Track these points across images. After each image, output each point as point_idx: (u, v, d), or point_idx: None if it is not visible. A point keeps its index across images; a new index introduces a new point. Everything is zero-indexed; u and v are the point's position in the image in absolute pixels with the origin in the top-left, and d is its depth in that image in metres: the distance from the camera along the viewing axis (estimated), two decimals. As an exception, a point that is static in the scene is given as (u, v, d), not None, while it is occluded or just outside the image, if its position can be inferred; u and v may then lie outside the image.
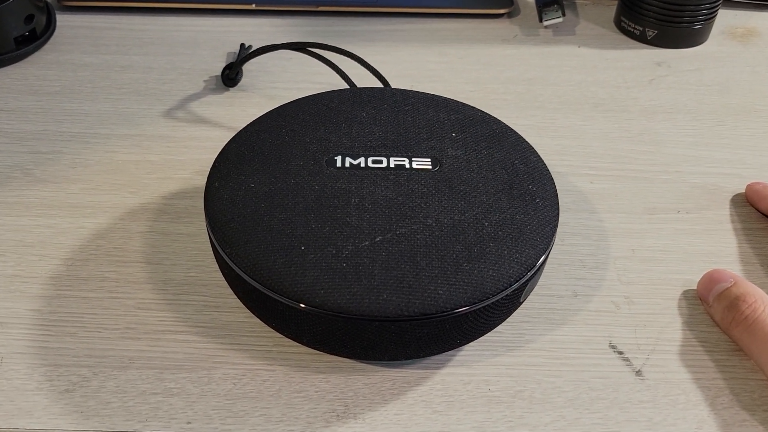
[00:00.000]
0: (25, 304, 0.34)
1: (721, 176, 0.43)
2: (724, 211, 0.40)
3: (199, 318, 0.33)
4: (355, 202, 0.31)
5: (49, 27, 0.52)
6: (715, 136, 0.46)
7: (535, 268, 0.30)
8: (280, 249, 0.29)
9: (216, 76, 0.49)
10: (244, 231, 0.30)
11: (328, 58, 0.45)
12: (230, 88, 0.48)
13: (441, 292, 0.28)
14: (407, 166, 0.33)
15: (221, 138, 0.43)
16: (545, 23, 0.55)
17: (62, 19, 0.54)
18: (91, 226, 0.38)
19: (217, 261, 0.32)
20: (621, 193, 0.41)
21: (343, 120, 0.35)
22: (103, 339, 0.32)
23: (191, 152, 0.43)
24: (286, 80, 0.49)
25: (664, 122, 0.47)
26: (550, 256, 0.31)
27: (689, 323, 0.34)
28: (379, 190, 0.31)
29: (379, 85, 0.45)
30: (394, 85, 0.46)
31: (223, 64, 0.50)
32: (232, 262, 0.29)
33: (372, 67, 0.45)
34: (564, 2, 0.55)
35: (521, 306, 0.32)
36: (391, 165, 0.33)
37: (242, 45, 0.52)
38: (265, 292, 0.28)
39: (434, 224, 0.30)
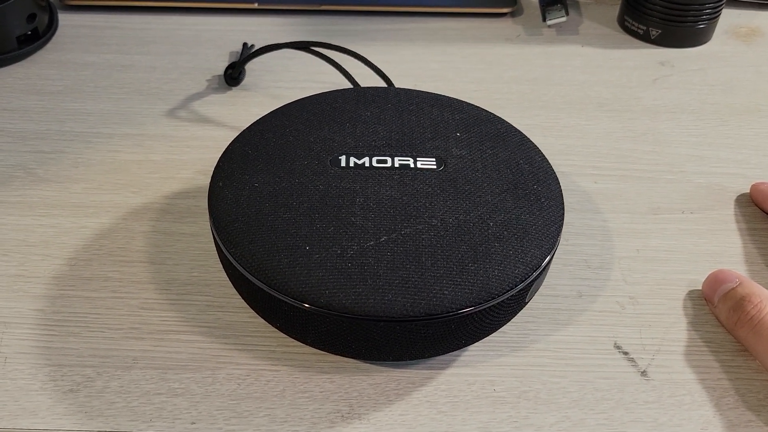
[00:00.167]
0: (28, 303, 0.34)
1: (726, 176, 0.43)
2: (729, 211, 0.40)
3: (202, 318, 0.33)
4: (359, 201, 0.31)
5: (51, 26, 0.52)
6: (719, 136, 0.46)
7: (541, 269, 0.30)
8: (285, 249, 0.29)
9: (219, 75, 0.49)
10: (248, 231, 0.29)
11: (331, 58, 0.45)
12: (233, 88, 0.48)
13: (446, 292, 0.28)
14: (412, 165, 0.33)
15: (224, 137, 0.43)
16: (548, 23, 0.54)
17: (64, 19, 0.54)
18: (94, 226, 0.38)
19: (221, 261, 0.32)
20: (625, 193, 0.41)
21: (347, 119, 0.35)
22: (107, 339, 0.32)
23: (194, 152, 0.43)
24: (289, 79, 0.49)
25: (668, 122, 0.47)
26: (554, 256, 0.31)
27: (694, 323, 0.34)
28: (384, 189, 0.31)
29: (383, 84, 0.45)
30: (397, 84, 0.46)
31: (226, 64, 0.50)
32: (237, 262, 0.29)
33: (375, 66, 0.45)
34: (567, 1, 0.55)
35: (526, 306, 0.32)
36: (396, 165, 0.33)
37: (245, 44, 0.51)
38: (269, 292, 0.28)
39: (439, 224, 0.30)
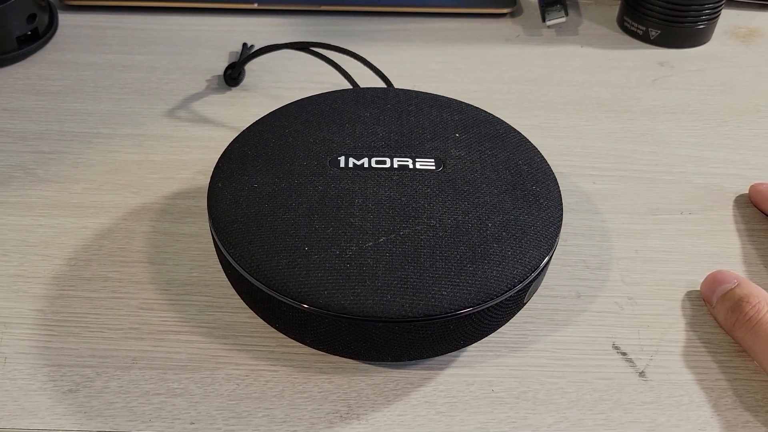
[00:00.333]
0: (28, 304, 0.34)
1: (725, 177, 0.43)
2: (728, 212, 0.40)
3: (202, 318, 0.33)
4: (358, 202, 0.31)
5: (52, 26, 0.52)
6: (718, 137, 0.46)
7: (539, 269, 0.30)
8: (284, 250, 0.29)
9: (218, 75, 0.49)
10: (247, 231, 0.29)
11: (331, 58, 0.45)
12: (232, 88, 0.48)
13: (445, 293, 0.28)
14: (411, 166, 0.33)
15: (224, 138, 0.43)
16: (548, 23, 0.55)
17: (64, 19, 0.54)
18: (93, 226, 0.38)
19: (220, 261, 0.32)
20: (624, 194, 0.41)
21: (346, 120, 0.35)
22: (107, 339, 0.32)
23: (194, 152, 0.43)
24: (289, 80, 0.49)
25: (667, 122, 0.47)
26: (553, 256, 0.31)
27: (693, 324, 0.34)
28: (383, 190, 0.31)
29: (382, 85, 0.45)
30: (396, 85, 0.46)
31: (226, 64, 0.50)
32: (236, 262, 0.29)
33: (375, 67, 0.45)
34: (567, 2, 0.55)
35: (524, 307, 0.32)
36: (395, 165, 0.33)
37: (244, 44, 0.51)
38: (268, 292, 0.28)
39: (438, 225, 0.30)
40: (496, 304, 0.29)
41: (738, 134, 0.46)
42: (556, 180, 0.33)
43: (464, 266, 0.28)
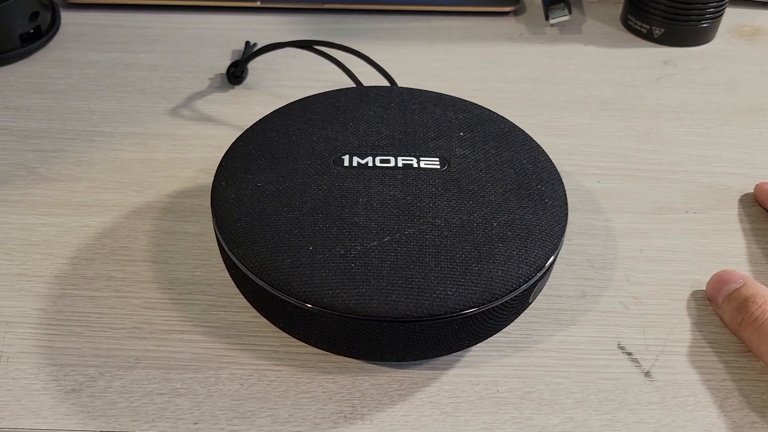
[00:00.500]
0: (30, 303, 0.34)
1: (729, 176, 0.42)
2: (733, 211, 0.40)
3: (205, 318, 0.33)
4: (363, 201, 0.30)
5: (54, 24, 0.52)
6: (722, 136, 0.46)
7: (545, 269, 0.30)
8: (288, 249, 0.29)
9: (221, 74, 0.49)
10: (251, 231, 0.29)
11: (334, 57, 0.45)
12: (235, 86, 0.48)
13: (450, 293, 0.27)
14: (415, 165, 0.32)
15: (226, 136, 0.43)
16: (551, 21, 0.54)
17: (67, 17, 0.54)
18: (96, 225, 0.38)
19: (223, 260, 0.32)
20: (628, 193, 0.41)
21: (350, 119, 0.35)
22: (109, 338, 0.32)
23: (196, 150, 0.43)
24: (292, 78, 0.49)
25: (671, 121, 0.47)
26: (558, 256, 0.31)
27: (698, 324, 0.34)
28: (387, 189, 0.31)
29: (386, 83, 0.45)
30: (399, 83, 0.46)
31: (229, 62, 0.50)
32: (240, 262, 0.29)
33: (378, 65, 0.45)
34: (570, 0, 0.55)
35: (529, 306, 0.32)
36: (399, 164, 0.32)
37: (247, 43, 0.51)
38: (272, 292, 0.28)
39: (443, 224, 0.30)
40: (501, 304, 0.28)
41: (742, 133, 0.46)
42: (561, 179, 0.33)
43: (469, 266, 0.28)
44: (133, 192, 0.40)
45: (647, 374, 0.32)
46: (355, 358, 0.31)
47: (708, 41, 0.55)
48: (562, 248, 0.33)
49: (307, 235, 0.29)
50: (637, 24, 0.55)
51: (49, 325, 0.33)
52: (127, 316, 0.33)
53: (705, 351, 0.33)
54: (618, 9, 0.58)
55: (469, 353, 0.32)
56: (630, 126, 0.46)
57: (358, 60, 0.45)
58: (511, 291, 0.28)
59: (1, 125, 0.44)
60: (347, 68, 0.45)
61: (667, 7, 0.53)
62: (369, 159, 0.33)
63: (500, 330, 0.31)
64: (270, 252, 0.29)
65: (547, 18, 0.55)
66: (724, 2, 0.53)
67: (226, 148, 0.34)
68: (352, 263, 0.28)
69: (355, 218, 0.30)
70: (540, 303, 0.34)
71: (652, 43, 0.54)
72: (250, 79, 0.49)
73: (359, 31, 0.54)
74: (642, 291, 0.35)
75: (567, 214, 0.32)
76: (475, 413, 0.30)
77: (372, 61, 0.44)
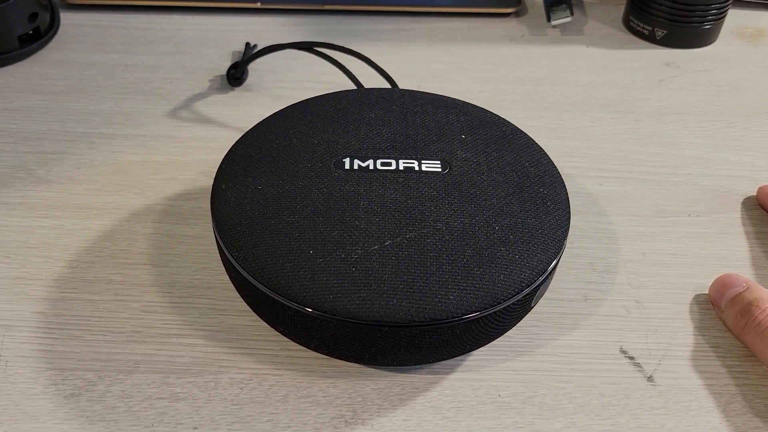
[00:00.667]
0: (29, 306, 0.33)
1: (732, 179, 0.42)
2: (735, 214, 0.40)
3: (205, 321, 0.33)
4: (364, 205, 0.30)
5: (53, 25, 0.52)
6: (725, 138, 0.45)
7: (547, 273, 0.29)
8: (289, 253, 0.28)
9: (221, 75, 0.49)
10: (251, 234, 0.29)
11: (335, 58, 0.45)
12: (235, 88, 0.48)
13: (451, 297, 0.27)
14: (416, 168, 0.32)
15: (227, 138, 0.43)
16: (553, 23, 0.54)
17: (66, 18, 0.54)
18: (96, 228, 0.37)
19: (223, 264, 0.32)
20: (631, 196, 0.41)
21: (351, 121, 0.35)
22: (109, 342, 0.32)
23: (196, 153, 0.42)
24: (292, 80, 0.49)
25: (674, 123, 0.46)
26: (560, 259, 0.31)
27: (701, 328, 0.34)
28: (389, 192, 0.31)
29: (387, 85, 0.45)
30: (400, 85, 0.46)
31: (229, 64, 0.50)
32: (240, 265, 0.29)
33: (379, 67, 0.44)
34: (572, 2, 0.54)
35: (531, 310, 0.32)
36: (400, 167, 0.32)
37: (247, 44, 0.51)
38: (272, 296, 0.28)
39: (444, 228, 0.30)
40: (503, 308, 0.28)
41: (745, 135, 0.46)
42: (563, 182, 0.33)
43: (471, 270, 0.28)
44: (132, 194, 0.39)
45: (650, 379, 0.32)
46: (356, 362, 0.31)
47: (710, 43, 0.55)
48: (564, 252, 0.33)
49: (308, 238, 0.29)
50: (639, 25, 0.55)
51: (48, 328, 0.33)
52: (127, 320, 0.33)
53: (708, 355, 0.33)
54: (620, 10, 0.58)
55: (471, 357, 0.32)
56: (632, 128, 0.46)
57: (359, 62, 0.44)
58: (513, 295, 0.28)
59: (0, 127, 0.44)
60: (348, 70, 0.45)
61: (669, 9, 0.53)
62: (370, 162, 0.32)
63: (502, 334, 0.31)
64: (270, 256, 0.28)
65: (548, 19, 0.54)
66: (727, 4, 0.53)
67: (227, 150, 0.34)
68: (353, 267, 0.28)
69: (356, 222, 0.30)
70: (542, 307, 0.34)
71: (654, 45, 0.54)
72: (250, 80, 0.48)
73: (360, 32, 0.54)
74: (644, 295, 0.35)
75: (569, 217, 0.31)
76: (476, 418, 0.30)
77: (373, 62, 0.44)
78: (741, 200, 0.41)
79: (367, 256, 0.28)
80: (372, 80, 0.45)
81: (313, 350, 0.30)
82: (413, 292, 0.27)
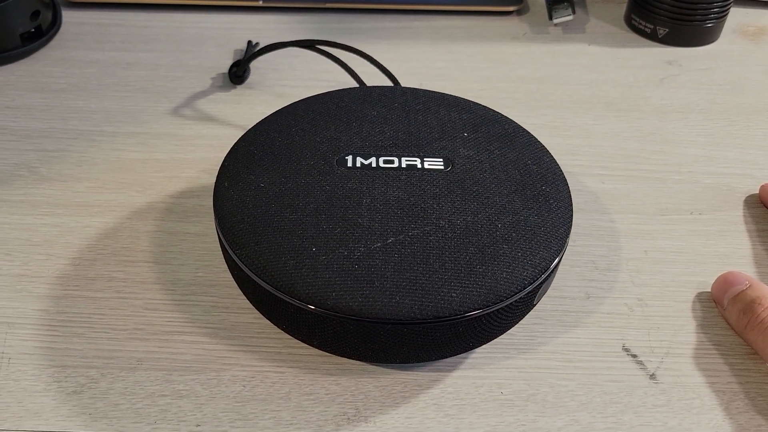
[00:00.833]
0: (32, 304, 0.33)
1: (734, 177, 0.42)
2: (738, 212, 0.40)
3: (207, 319, 0.33)
4: (366, 202, 0.30)
5: (55, 23, 0.52)
6: (727, 136, 0.45)
7: (549, 271, 0.29)
8: (291, 250, 0.28)
9: (223, 73, 0.49)
10: (254, 232, 0.29)
11: (337, 56, 0.45)
12: (237, 86, 0.48)
13: (454, 294, 0.27)
14: (419, 166, 0.32)
15: (228, 136, 0.43)
16: (555, 21, 0.54)
17: (68, 16, 0.54)
18: (98, 225, 0.37)
19: (226, 262, 0.32)
20: (633, 194, 0.41)
21: (353, 119, 0.35)
22: (111, 340, 0.32)
23: (198, 150, 0.42)
24: (294, 78, 0.49)
25: (676, 122, 0.46)
26: (562, 257, 0.31)
27: (703, 326, 0.34)
28: (391, 190, 0.31)
29: (389, 83, 0.45)
30: (402, 83, 0.46)
31: (231, 62, 0.50)
32: (243, 263, 0.29)
33: (381, 65, 0.44)
34: (574, 0, 0.54)
35: (533, 308, 0.32)
36: (403, 165, 0.32)
37: (249, 42, 0.51)
38: (275, 294, 0.28)
39: (447, 225, 0.29)
40: (505, 306, 0.28)
41: (747, 133, 0.46)
42: (565, 180, 0.33)
43: (474, 267, 0.28)
44: (134, 192, 0.39)
45: (652, 376, 0.32)
46: (358, 359, 0.31)
47: (713, 41, 0.55)
48: (566, 249, 0.33)
49: (311, 236, 0.29)
50: (641, 24, 0.55)
51: (50, 326, 0.33)
52: (129, 318, 0.33)
53: (710, 353, 0.33)
54: (622, 9, 0.58)
55: (473, 355, 0.32)
56: (634, 126, 0.46)
57: (361, 59, 0.44)
58: (516, 293, 0.28)
59: (2, 125, 0.44)
60: (350, 68, 0.45)
61: (671, 7, 0.52)
62: (372, 159, 0.32)
63: (504, 332, 0.31)
64: (273, 253, 0.28)
65: (550, 18, 0.54)
66: (729, 2, 0.53)
67: (228, 148, 0.34)
68: (356, 265, 0.28)
69: (359, 219, 0.30)
70: (544, 305, 0.34)
71: (656, 43, 0.54)
72: (252, 78, 0.48)
73: (362, 30, 0.54)
74: (647, 293, 0.35)
75: (572, 215, 0.31)
76: (479, 415, 0.30)
77: (375, 60, 0.44)
78: (743, 198, 0.41)
79: (369, 254, 0.28)
80: (374, 78, 0.45)
81: (316, 348, 0.30)
82: (416, 289, 0.27)
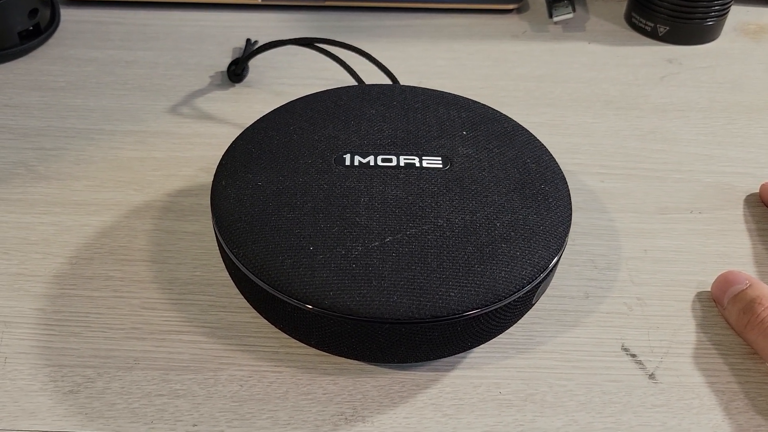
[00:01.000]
0: (28, 303, 0.33)
1: (735, 175, 0.42)
2: (738, 211, 0.40)
3: (205, 318, 0.33)
4: (364, 201, 0.30)
5: (54, 21, 0.52)
6: (727, 135, 0.45)
7: (548, 270, 0.29)
8: (288, 249, 0.28)
9: (222, 71, 0.49)
10: (251, 231, 0.29)
11: (336, 54, 0.45)
12: (236, 84, 0.48)
13: (452, 294, 0.27)
14: (417, 164, 0.32)
15: (227, 134, 0.43)
16: (555, 19, 0.54)
17: (66, 14, 0.54)
18: (95, 224, 0.37)
19: (223, 261, 0.32)
20: (632, 193, 0.41)
21: (351, 117, 0.35)
22: (108, 339, 0.32)
23: (196, 149, 0.42)
24: (293, 76, 0.49)
25: (676, 120, 0.46)
26: (561, 256, 0.31)
27: (703, 326, 0.34)
28: (389, 189, 0.31)
29: (388, 81, 0.45)
30: (402, 81, 0.46)
31: (229, 60, 0.49)
32: (240, 262, 0.29)
33: (380, 63, 0.44)
34: (574, -2, 0.54)
35: (532, 307, 0.32)
36: (401, 164, 0.32)
37: (248, 40, 0.51)
38: (272, 293, 0.28)
39: (445, 224, 0.29)
40: (504, 305, 0.28)
41: (748, 132, 0.46)
42: (564, 179, 0.33)
43: (472, 267, 0.28)
44: (132, 191, 0.39)
45: (651, 376, 0.32)
46: (356, 359, 0.31)
47: (713, 39, 0.54)
48: (565, 249, 0.33)
49: (308, 235, 0.29)
50: (641, 22, 0.54)
51: (47, 325, 0.32)
52: (126, 317, 0.33)
53: (710, 353, 0.33)
54: (622, 7, 0.58)
55: (472, 355, 0.32)
56: (634, 125, 0.46)
57: (360, 58, 0.44)
58: (515, 292, 0.28)
59: (0, 123, 0.44)
60: (349, 66, 0.45)
61: (671, 5, 0.52)
62: (371, 158, 0.32)
63: (503, 331, 0.31)
64: (270, 252, 0.28)
65: (550, 16, 0.54)
66: (730, 0, 0.53)
67: (227, 147, 0.34)
68: (354, 264, 0.28)
69: (357, 218, 0.29)
70: (543, 304, 0.34)
71: (656, 41, 0.54)
72: (250, 76, 0.48)
73: (361, 28, 0.54)
74: (646, 292, 0.35)
75: (571, 214, 0.31)
76: (477, 415, 0.30)
77: (374, 58, 0.44)
78: (743, 197, 0.41)
79: (367, 253, 0.28)
80: (373, 76, 0.45)
81: (314, 347, 0.30)
82: (414, 288, 0.27)
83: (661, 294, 0.35)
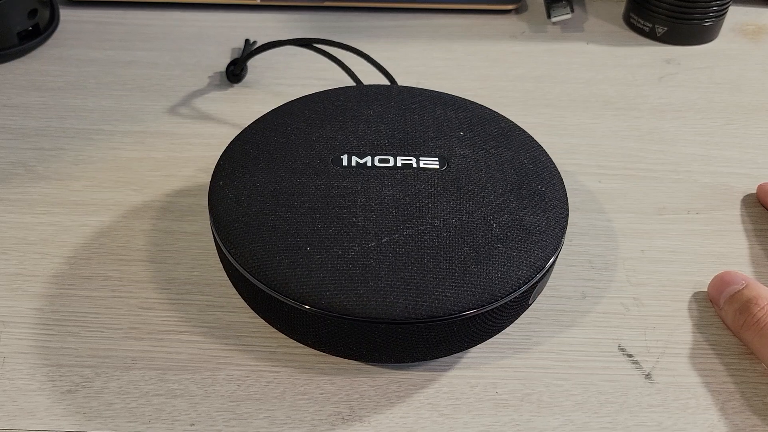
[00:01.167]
0: (27, 302, 0.33)
1: (732, 176, 0.42)
2: (735, 212, 0.40)
3: (202, 318, 0.33)
4: (361, 201, 0.30)
5: (53, 22, 0.52)
6: (725, 135, 0.45)
7: (545, 270, 0.29)
8: (286, 249, 0.28)
9: (220, 72, 0.49)
10: (248, 231, 0.29)
11: (334, 55, 0.45)
12: (235, 85, 0.48)
13: (449, 294, 0.27)
14: (414, 165, 0.32)
15: (225, 135, 0.43)
16: (553, 20, 0.54)
17: (66, 14, 0.54)
18: (94, 224, 0.37)
19: (221, 261, 0.32)
20: (630, 193, 0.41)
21: (349, 118, 0.35)
22: (106, 339, 0.32)
23: (195, 149, 0.42)
24: (291, 76, 0.49)
25: (674, 121, 0.46)
26: (558, 257, 0.31)
27: (700, 326, 0.34)
28: (386, 189, 0.31)
29: (386, 82, 0.45)
30: (400, 82, 0.46)
31: (228, 60, 0.50)
32: (237, 262, 0.29)
33: (378, 63, 0.44)
34: (572, -2, 0.54)
35: (529, 307, 0.32)
36: (398, 164, 0.32)
37: (247, 41, 0.51)
38: (270, 293, 0.28)
39: (442, 225, 0.29)
40: (500, 305, 0.28)
41: (746, 133, 0.46)
42: (561, 179, 0.33)
43: (468, 267, 0.28)
44: (131, 191, 0.39)
45: (648, 376, 0.32)
46: (353, 359, 0.31)
47: (711, 40, 0.55)
48: (562, 249, 0.33)
49: (305, 235, 0.29)
50: (639, 22, 0.54)
51: (45, 325, 0.33)
52: (124, 317, 0.33)
53: (706, 353, 0.33)
54: (620, 7, 0.58)
55: (468, 355, 0.32)
56: (632, 125, 0.46)
57: (358, 58, 0.44)
58: (511, 292, 0.28)
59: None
60: (347, 66, 0.45)
61: (670, 5, 0.52)
62: (368, 159, 0.32)
63: (500, 331, 0.31)
64: (267, 252, 0.28)
65: (549, 16, 0.54)
66: (728, 1, 0.53)
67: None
68: (350, 264, 0.28)
69: (354, 219, 0.29)
70: (540, 304, 0.34)
71: (654, 42, 0.54)
72: (249, 77, 0.48)
73: (359, 28, 0.54)
74: (643, 292, 0.35)
75: (567, 214, 0.31)
76: (474, 415, 0.30)
77: (372, 59, 0.44)
78: (741, 197, 0.41)
79: (364, 253, 0.28)
80: (371, 77, 0.45)
81: (311, 347, 0.30)
82: (410, 289, 0.27)
83: (657, 294, 0.35)
